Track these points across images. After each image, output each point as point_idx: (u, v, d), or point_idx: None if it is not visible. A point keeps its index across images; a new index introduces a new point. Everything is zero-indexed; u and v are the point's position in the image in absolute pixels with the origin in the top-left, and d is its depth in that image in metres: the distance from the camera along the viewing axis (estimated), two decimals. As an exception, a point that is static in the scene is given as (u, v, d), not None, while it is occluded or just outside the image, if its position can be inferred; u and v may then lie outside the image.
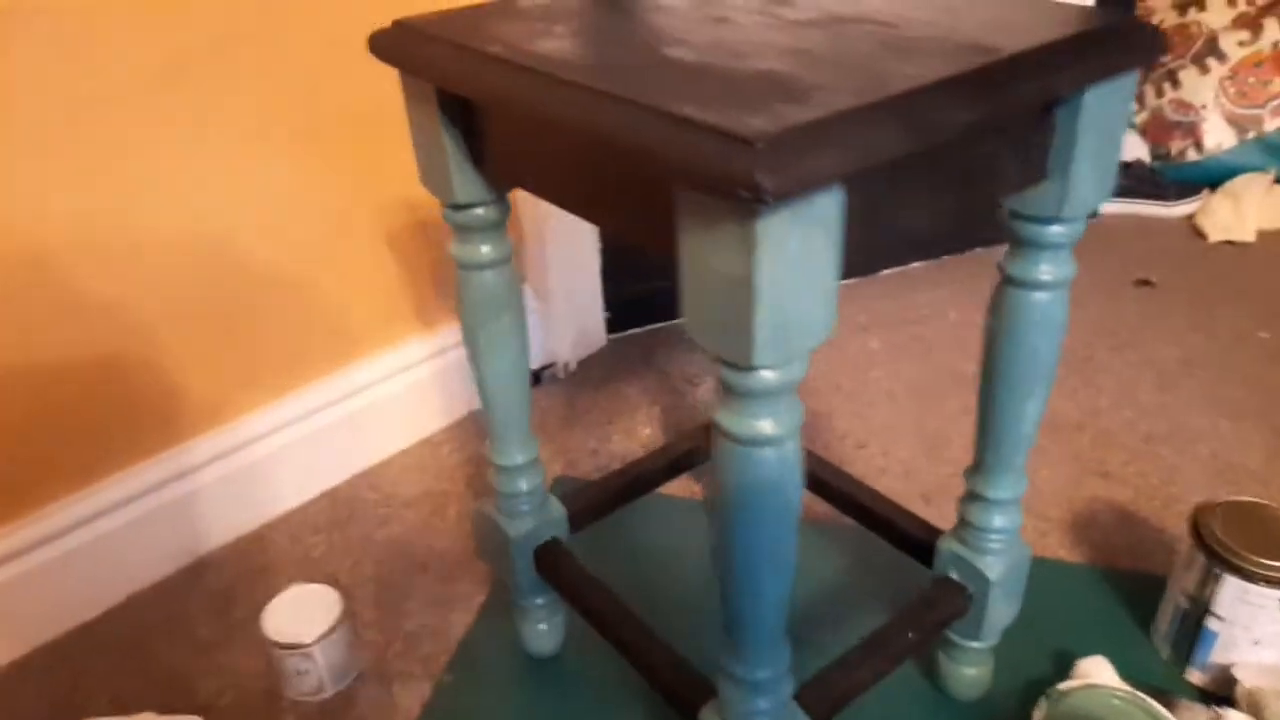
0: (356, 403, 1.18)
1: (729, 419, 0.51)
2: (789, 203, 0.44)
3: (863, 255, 0.53)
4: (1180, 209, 1.80)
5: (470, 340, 0.75)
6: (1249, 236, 1.72)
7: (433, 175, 0.68)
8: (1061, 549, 1.05)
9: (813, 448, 1.22)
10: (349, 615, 0.94)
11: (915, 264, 1.67)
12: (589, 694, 0.90)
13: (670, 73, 0.51)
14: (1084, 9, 0.61)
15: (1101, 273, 1.63)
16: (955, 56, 0.52)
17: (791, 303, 0.47)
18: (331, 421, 1.16)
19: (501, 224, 0.71)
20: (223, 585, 1.04)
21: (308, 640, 0.86)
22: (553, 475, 1.19)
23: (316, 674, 0.88)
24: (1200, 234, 1.75)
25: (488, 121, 0.63)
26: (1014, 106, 0.52)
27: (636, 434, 1.27)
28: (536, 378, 1.36)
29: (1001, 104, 0.50)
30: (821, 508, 1.02)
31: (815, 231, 0.46)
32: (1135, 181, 1.81)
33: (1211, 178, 1.82)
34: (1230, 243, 1.72)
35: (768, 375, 0.49)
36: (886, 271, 1.65)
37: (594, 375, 1.39)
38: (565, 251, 1.33)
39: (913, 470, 1.18)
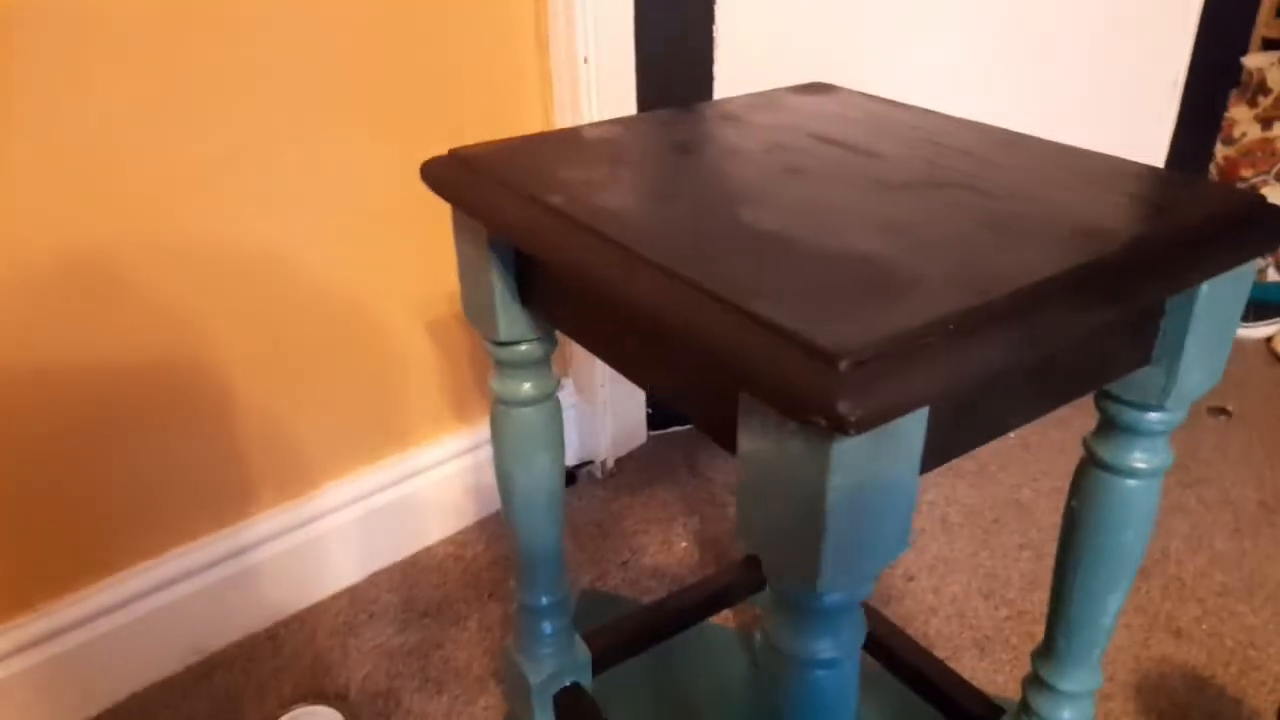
0: (382, 499, 1.14)
1: (784, 637, 0.46)
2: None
3: (951, 452, 0.47)
4: (1260, 331, 1.71)
5: (505, 479, 0.70)
6: (1331, 364, 1.62)
7: (477, 309, 0.63)
8: (1126, 717, 0.97)
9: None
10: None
11: (973, 372, 1.60)
12: None
13: (746, 246, 0.46)
14: (1189, 177, 0.55)
15: (1171, 395, 1.54)
16: (1065, 243, 0.46)
17: (864, 525, 0.41)
18: (355, 518, 1.12)
19: (546, 361, 0.66)
20: (231, 687, 1.00)
21: (310, 772, 0.81)
22: (580, 586, 1.13)
23: (316, 808, 0.82)
24: (1279, 358, 1.66)
25: (542, 267, 0.59)
26: (1133, 307, 0.46)
27: (673, 547, 1.20)
28: (573, 477, 1.31)
29: (1119, 305, 0.45)
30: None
31: (899, 453, 0.41)
32: (1209, 297, 1.73)
33: (1291, 298, 1.74)
34: (1311, 370, 1.63)
35: (833, 596, 0.43)
36: (942, 379, 1.58)
37: (632, 476, 1.34)
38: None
39: (966, 612, 1.10)
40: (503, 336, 0.63)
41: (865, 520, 0.41)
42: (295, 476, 1.07)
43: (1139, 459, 0.59)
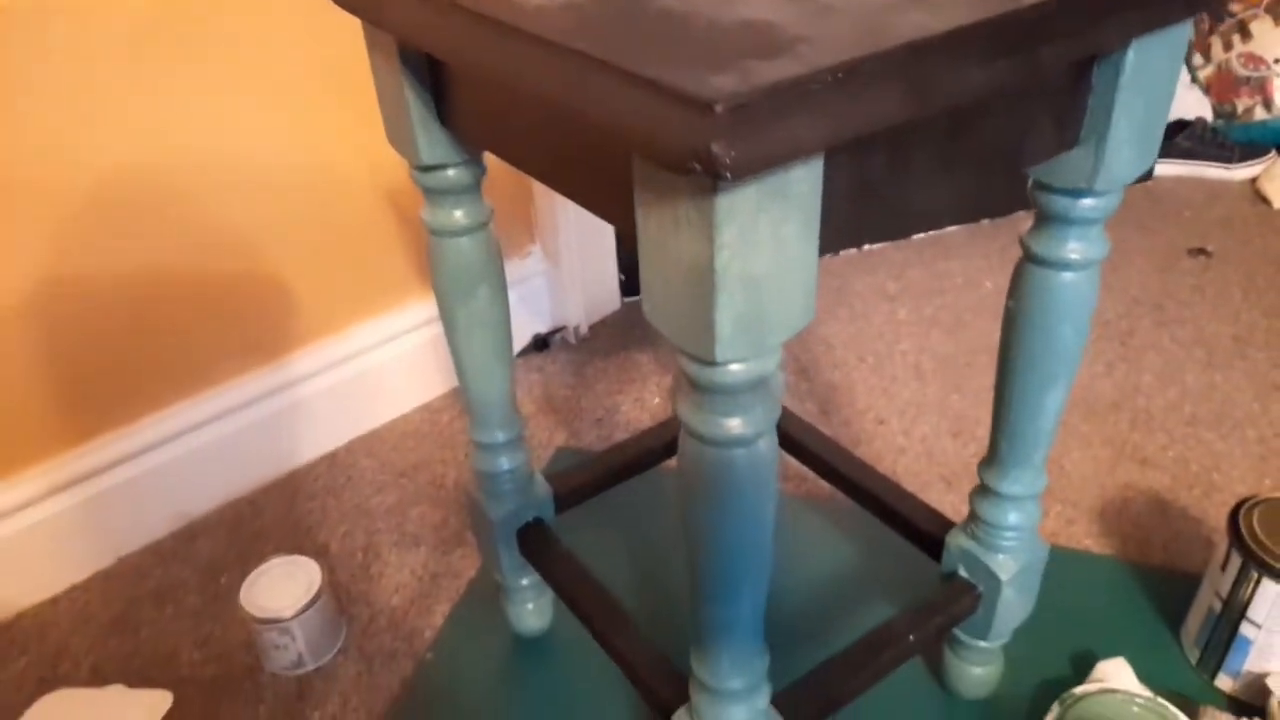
0: (357, 366, 1.15)
1: (693, 416, 0.46)
2: (757, 178, 0.38)
3: (857, 232, 0.47)
4: (1243, 172, 1.68)
5: (446, 313, 0.70)
6: (1317, 203, 1.60)
7: (398, 134, 0.62)
8: (1089, 539, 0.99)
9: (830, 423, 1.16)
10: (330, 589, 0.91)
11: (950, 228, 1.58)
12: (575, 675, 0.86)
13: (641, 22, 0.45)
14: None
15: (1153, 240, 1.53)
16: (975, 5, 0.45)
17: (761, 291, 0.41)
18: (331, 385, 1.13)
19: (475, 187, 0.65)
20: (214, 552, 1.02)
21: (286, 614, 0.83)
22: (556, 445, 1.15)
23: (295, 648, 0.85)
24: (1264, 199, 1.63)
25: (453, 77, 0.58)
26: (1041, 66, 0.44)
27: (646, 404, 1.22)
28: (545, 342, 1.31)
29: (1025, 63, 0.43)
30: (824, 487, 0.97)
31: (789, 211, 0.40)
32: (1196, 142, 1.69)
33: (1278, 139, 1.70)
34: (1296, 209, 1.61)
35: (736, 369, 0.44)
36: (919, 236, 1.57)
37: (606, 341, 1.34)
38: (576, 209, 1.27)
39: (935, 451, 1.11)
40: (425, 159, 0.61)
41: (762, 287, 0.41)
42: (270, 344, 1.08)
43: (1073, 249, 0.59)
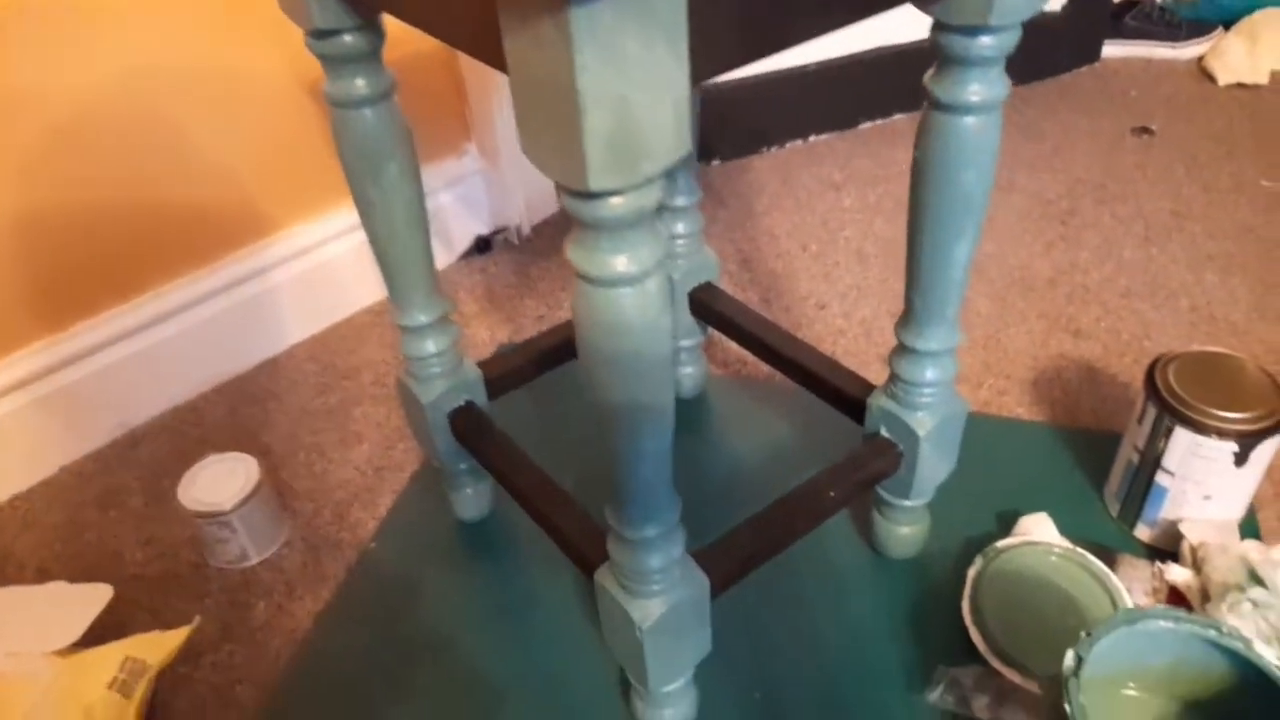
0: (298, 268, 1.13)
1: (580, 255, 0.46)
2: (611, -13, 0.37)
3: (727, 53, 0.46)
4: (1190, 50, 1.67)
5: (357, 192, 0.69)
6: (1262, 79, 1.59)
7: (287, -3, 0.60)
8: (1020, 408, 1.01)
9: (771, 309, 1.17)
10: (271, 484, 0.92)
11: (899, 116, 1.57)
12: (516, 558, 0.88)
13: None
14: None
15: (1098, 122, 1.52)
16: None
17: (629, 115, 0.41)
18: (271, 288, 1.12)
19: (375, 55, 0.64)
20: (156, 457, 1.02)
21: (225, 507, 0.84)
22: (498, 343, 1.15)
23: (238, 542, 0.86)
24: (1210, 77, 1.63)
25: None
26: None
27: (588, 298, 1.21)
28: (488, 244, 1.30)
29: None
30: (767, 369, 0.98)
31: (650, 26, 0.39)
32: (1144, 21, 1.68)
33: (1226, 15, 1.68)
34: (1242, 85, 1.60)
35: (615, 203, 0.43)
36: (866, 125, 1.56)
37: (548, 242, 1.33)
38: (511, 107, 1.25)
39: (874, 331, 1.13)
40: (318, 23, 0.60)
41: (630, 110, 0.41)
42: (205, 249, 1.06)
43: (974, 92, 0.58)
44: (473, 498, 0.89)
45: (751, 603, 0.82)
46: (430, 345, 0.77)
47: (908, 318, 0.71)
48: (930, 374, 0.71)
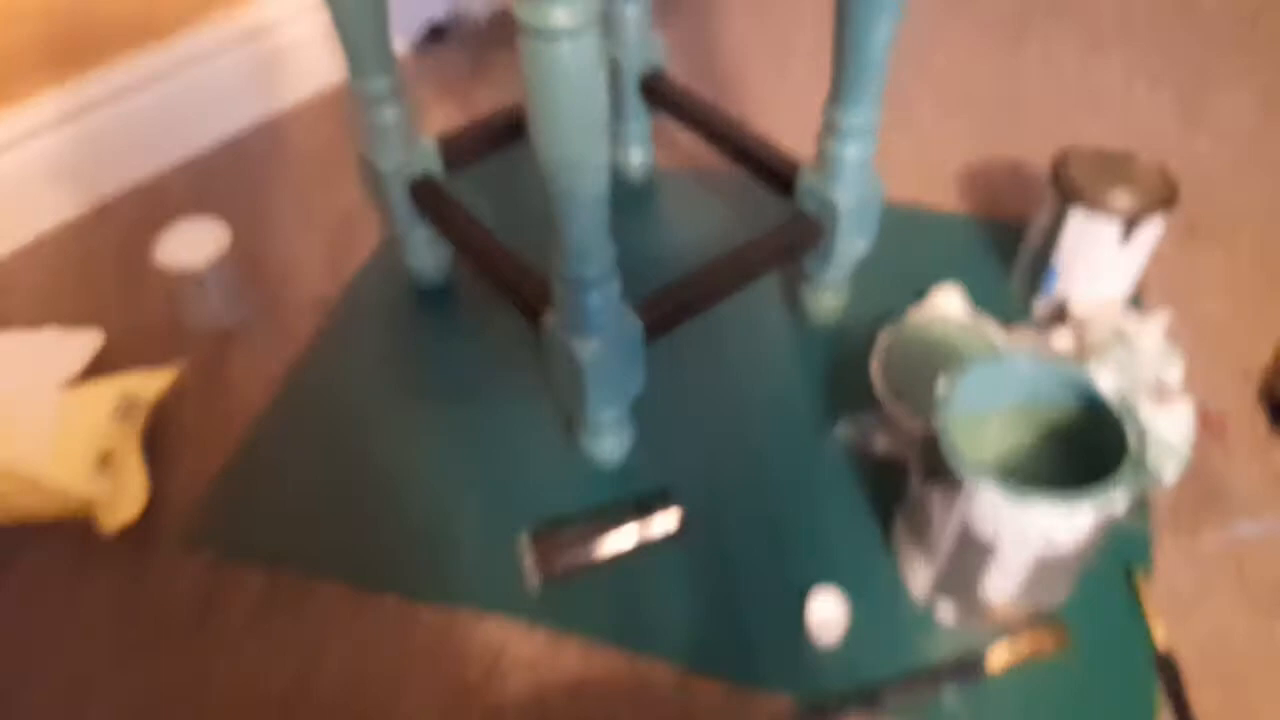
0: (259, 46, 1.15)
1: (526, 9, 0.51)
2: None
3: None
4: None
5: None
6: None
7: None
8: (947, 200, 1.08)
9: (723, 102, 1.21)
10: (240, 248, 0.97)
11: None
12: (472, 318, 0.96)
13: None
14: None
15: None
16: None
17: None
18: (232, 64, 1.13)
19: None
20: (126, 229, 1.07)
21: (199, 266, 0.90)
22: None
23: (212, 301, 0.93)
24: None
25: None
26: None
27: (544, 90, 1.24)
28: (441, 32, 1.31)
29: None
30: (710, 162, 1.03)
31: None
32: None
33: None
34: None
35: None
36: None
37: (505, 31, 1.34)
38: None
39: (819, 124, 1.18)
40: None
41: None
42: (164, 21, 1.07)
43: None
44: (431, 264, 0.96)
45: (687, 357, 0.91)
46: (388, 114, 0.82)
47: (833, 96, 0.76)
48: (851, 151, 0.78)
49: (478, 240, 0.82)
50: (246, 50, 1.14)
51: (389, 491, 0.82)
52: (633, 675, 0.72)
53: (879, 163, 1.12)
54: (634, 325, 0.71)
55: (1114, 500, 0.61)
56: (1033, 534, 0.62)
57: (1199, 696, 0.70)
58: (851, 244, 0.84)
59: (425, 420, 0.87)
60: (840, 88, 0.75)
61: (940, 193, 1.09)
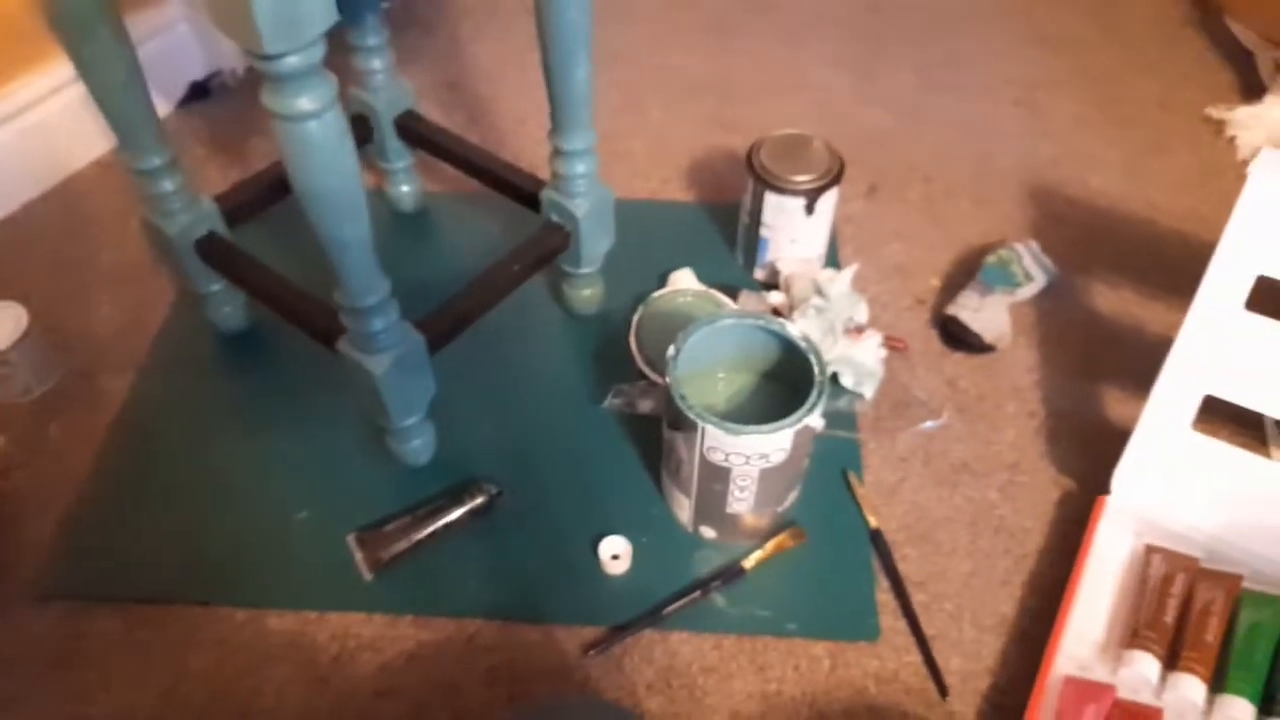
0: (25, 122, 1.18)
1: (273, 101, 0.63)
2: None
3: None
4: None
5: (71, 53, 0.80)
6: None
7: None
8: (680, 192, 1.27)
9: (478, 128, 1.35)
10: (42, 321, 1.02)
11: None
12: (277, 352, 1.06)
13: None
14: None
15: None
16: None
17: (287, -6, 0.57)
18: (9, 136, 1.16)
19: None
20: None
21: (3, 345, 0.95)
22: (231, 182, 1.26)
23: (21, 378, 0.98)
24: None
25: None
26: None
27: (312, 133, 1.34)
28: (205, 89, 1.37)
29: None
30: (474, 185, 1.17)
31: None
32: None
33: None
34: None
35: (290, 60, 0.60)
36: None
37: (268, 80, 1.42)
38: (207, -49, 1.30)
39: (564, 140, 1.34)
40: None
41: (288, -8, 0.57)
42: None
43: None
44: (231, 314, 1.05)
45: (475, 359, 1.05)
46: (167, 184, 0.91)
47: (555, 125, 0.92)
48: (580, 168, 0.94)
49: (269, 285, 0.93)
50: (13, 128, 1.17)
51: (224, 517, 0.92)
52: (460, 635, 0.85)
53: (621, 165, 1.29)
54: (417, 340, 0.85)
55: (806, 421, 0.80)
56: (752, 456, 0.80)
57: (903, 556, 0.92)
58: (596, 244, 1.01)
59: (249, 450, 0.97)
60: (557, 120, 0.90)
61: (674, 185, 1.28)
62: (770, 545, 0.91)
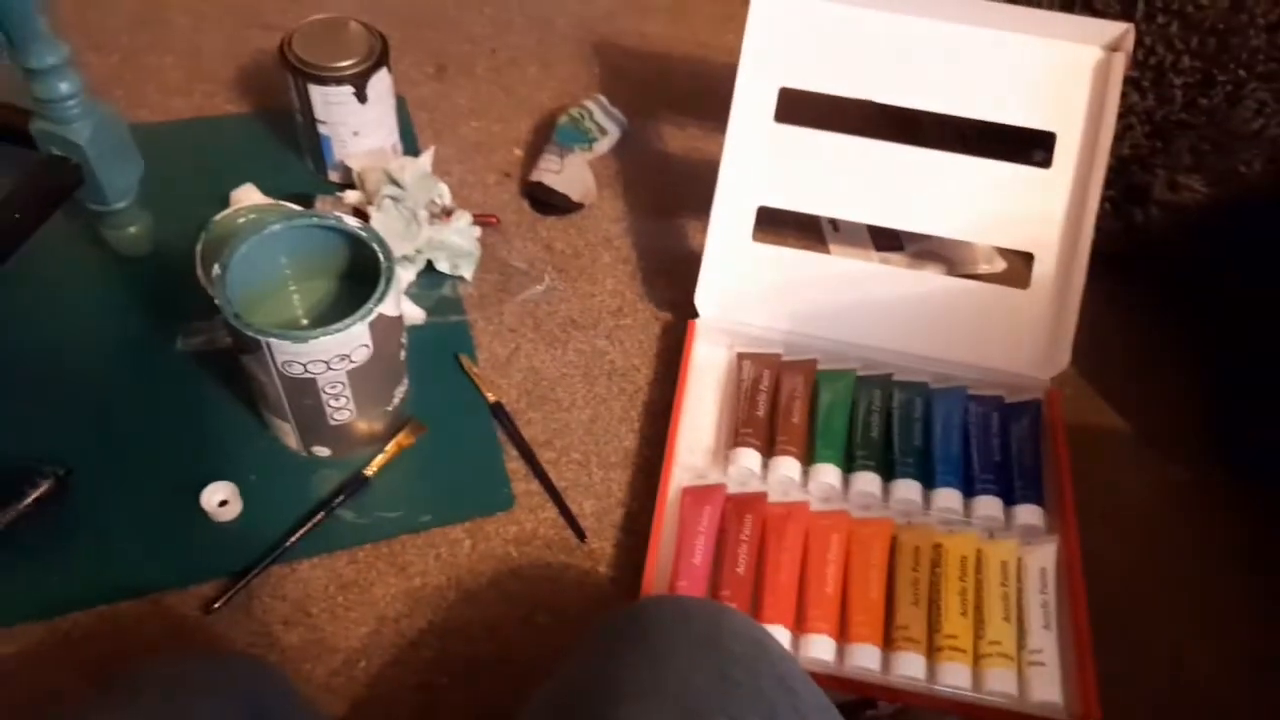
0: None
1: None
2: None
3: None
4: None
5: None
6: None
7: None
8: (230, 105, 1.15)
9: None
10: None
11: None
12: None
13: None
14: None
15: None
16: None
17: None
18: None
19: None
20: None
21: None
22: None
23: None
24: None
25: None
26: None
27: None
28: None
29: None
30: None
31: None
32: None
33: None
34: None
35: None
36: None
37: None
38: None
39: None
40: None
41: None
42: None
43: None
44: None
45: (6, 340, 0.90)
46: None
47: (9, 41, 0.77)
48: (63, 87, 0.81)
49: None
50: None
51: None
52: (54, 637, 0.75)
53: (151, 84, 1.14)
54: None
55: (380, 310, 0.76)
56: (331, 360, 0.76)
57: (527, 421, 0.93)
58: (117, 173, 0.88)
59: None
60: (8, 34, 0.76)
61: (221, 98, 1.15)
62: (390, 446, 0.88)
